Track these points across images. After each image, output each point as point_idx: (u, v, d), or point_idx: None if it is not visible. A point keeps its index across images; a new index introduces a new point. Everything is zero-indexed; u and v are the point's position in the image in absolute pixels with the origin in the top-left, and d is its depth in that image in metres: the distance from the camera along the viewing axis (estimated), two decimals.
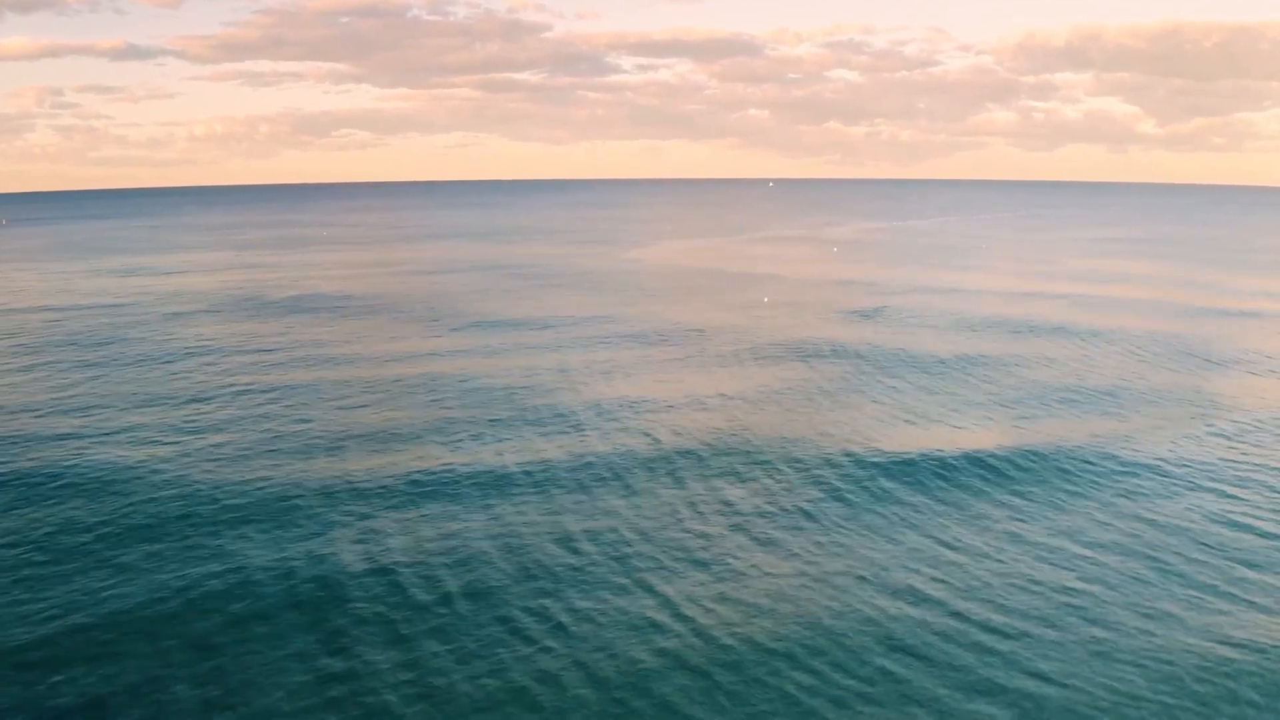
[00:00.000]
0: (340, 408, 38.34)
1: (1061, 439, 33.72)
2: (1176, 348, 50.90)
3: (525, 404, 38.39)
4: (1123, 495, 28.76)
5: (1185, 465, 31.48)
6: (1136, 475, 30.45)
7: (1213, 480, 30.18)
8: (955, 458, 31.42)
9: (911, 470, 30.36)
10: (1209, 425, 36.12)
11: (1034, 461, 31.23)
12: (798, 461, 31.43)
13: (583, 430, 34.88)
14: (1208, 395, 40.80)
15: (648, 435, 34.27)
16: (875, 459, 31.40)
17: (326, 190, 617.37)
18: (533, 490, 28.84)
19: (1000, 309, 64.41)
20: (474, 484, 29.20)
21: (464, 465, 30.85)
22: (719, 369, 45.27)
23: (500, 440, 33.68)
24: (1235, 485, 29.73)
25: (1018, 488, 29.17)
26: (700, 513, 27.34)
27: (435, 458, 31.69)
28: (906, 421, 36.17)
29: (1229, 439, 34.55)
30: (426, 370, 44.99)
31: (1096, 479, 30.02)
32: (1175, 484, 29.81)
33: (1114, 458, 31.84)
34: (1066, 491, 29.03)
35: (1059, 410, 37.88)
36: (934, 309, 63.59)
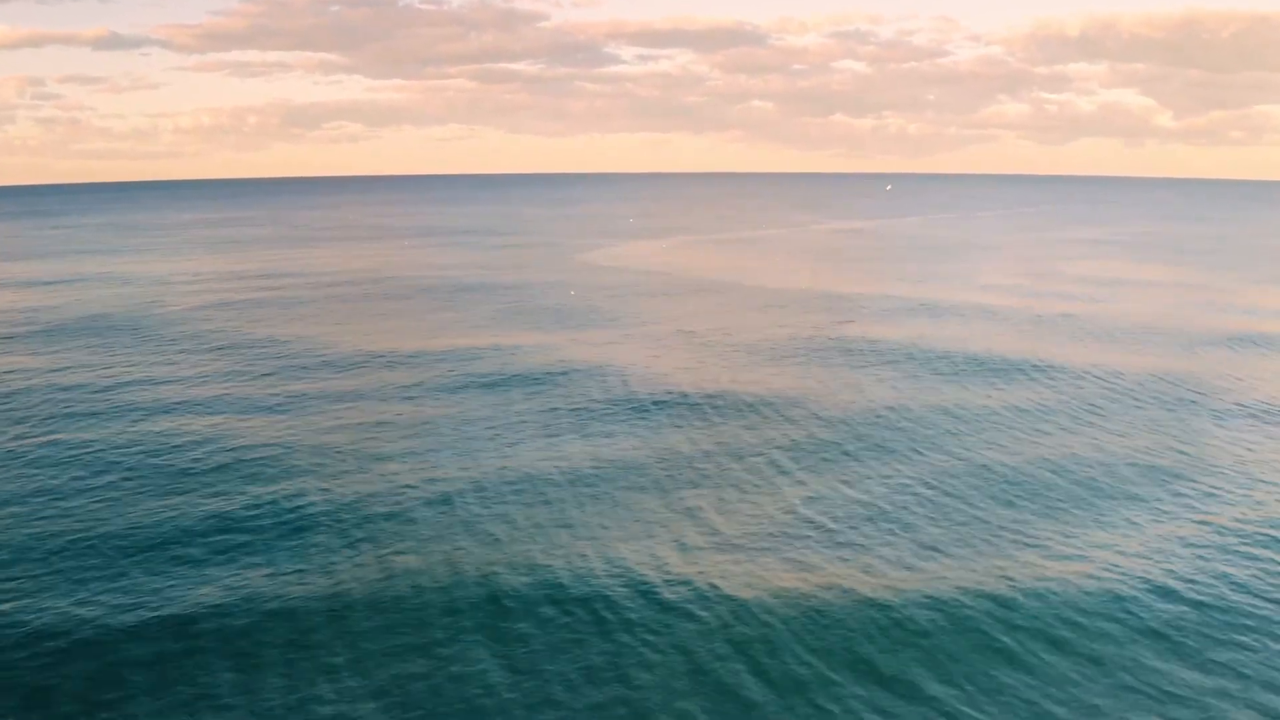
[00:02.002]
0: (49, 492, 28.45)
1: (999, 574, 23.51)
2: (1169, 397, 40.50)
3: (260, 491, 28.34)
4: (1092, 674, 18.68)
5: (1184, 617, 21.33)
6: (1111, 634, 20.35)
7: (1227, 636, 20.10)
8: (844, 608, 21.34)
9: (760, 641, 20.29)
10: (1216, 530, 25.92)
11: (962, 617, 21.08)
12: (597, 612, 21.37)
13: (292, 546, 24.85)
14: (1214, 478, 30.50)
15: (393, 554, 24.24)
16: (715, 614, 21.34)
17: (309, 185, 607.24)
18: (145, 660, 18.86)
19: (967, 335, 54.10)
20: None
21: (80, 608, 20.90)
22: (562, 433, 34.88)
23: (158, 563, 23.72)
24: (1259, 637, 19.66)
25: (933, 656, 19.09)
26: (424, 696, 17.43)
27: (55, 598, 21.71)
28: (784, 537, 26.02)
29: (1246, 540, 24.43)
30: (190, 429, 35.08)
31: (1051, 645, 19.92)
32: (1165, 649, 19.72)
33: (1076, 607, 21.66)
34: (1002, 656, 18.93)
35: (999, 519, 27.39)
36: (886, 336, 53.30)
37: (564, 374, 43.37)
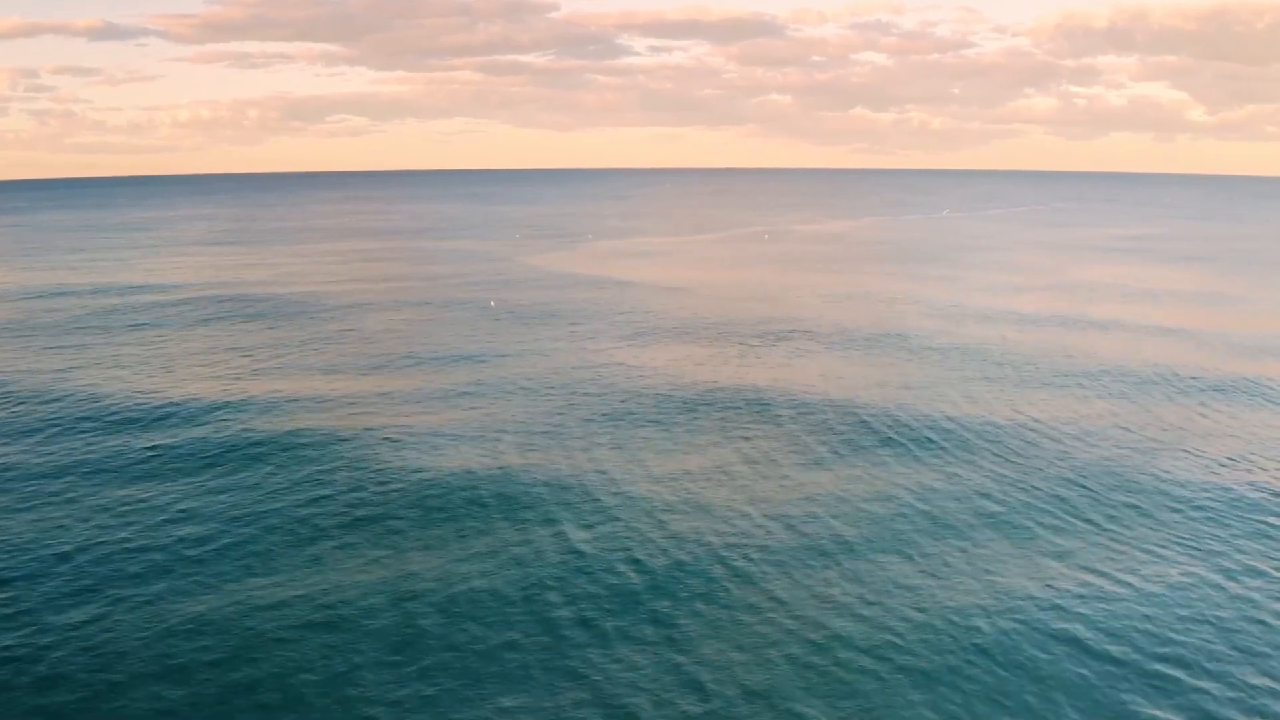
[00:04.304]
0: None
1: None
2: (1129, 490, 30.22)
3: None
4: None
5: None
6: None
7: None
8: None
9: None
10: None
11: None
12: None
13: None
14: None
15: None
16: None
17: (302, 180, 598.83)
18: None
19: (897, 382, 43.94)
20: None
21: None
22: (184, 562, 25.08)
23: None
24: None
25: None
26: None
27: None
28: None
29: None
30: None
31: None
32: None
33: None
34: None
35: None
36: (792, 385, 43.21)
37: (316, 443, 33.10)
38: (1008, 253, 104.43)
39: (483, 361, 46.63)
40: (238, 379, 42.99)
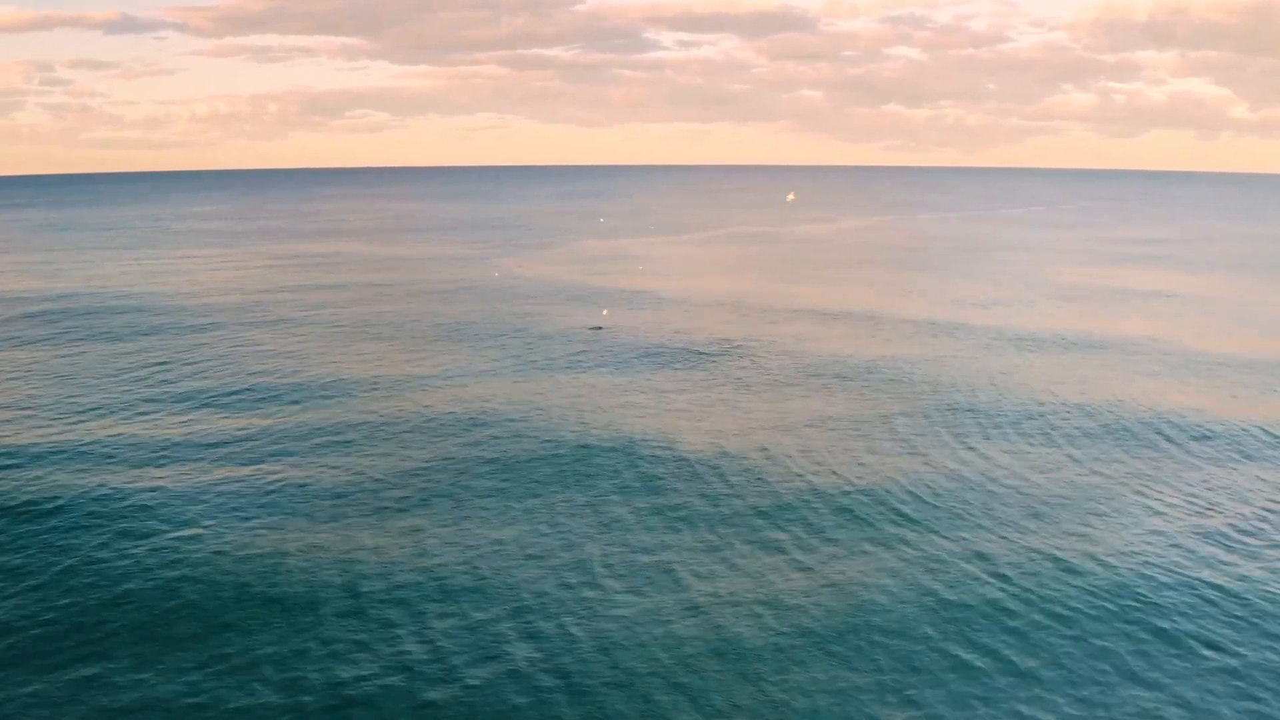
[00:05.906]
0: None
1: None
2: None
3: None
4: None
5: None
6: None
7: None
8: None
9: None
10: None
11: None
12: None
13: None
14: None
15: None
16: None
17: (318, 176, 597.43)
18: None
19: (832, 429, 38.12)
20: None
21: None
22: None
23: None
24: None
25: None
26: None
27: None
28: None
29: None
30: None
31: None
32: None
33: None
34: None
35: None
36: (701, 429, 37.49)
37: (70, 507, 27.94)
38: (1005, 255, 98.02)
39: (355, 395, 41.13)
40: (51, 415, 37.79)
